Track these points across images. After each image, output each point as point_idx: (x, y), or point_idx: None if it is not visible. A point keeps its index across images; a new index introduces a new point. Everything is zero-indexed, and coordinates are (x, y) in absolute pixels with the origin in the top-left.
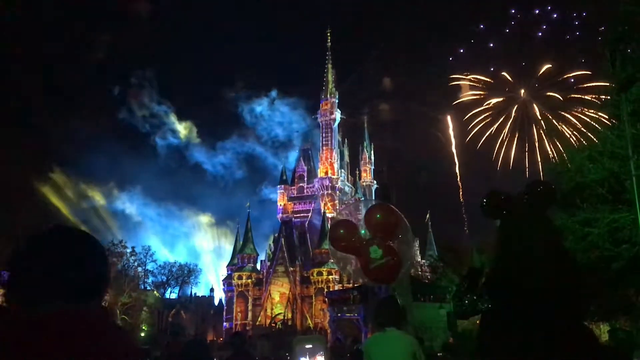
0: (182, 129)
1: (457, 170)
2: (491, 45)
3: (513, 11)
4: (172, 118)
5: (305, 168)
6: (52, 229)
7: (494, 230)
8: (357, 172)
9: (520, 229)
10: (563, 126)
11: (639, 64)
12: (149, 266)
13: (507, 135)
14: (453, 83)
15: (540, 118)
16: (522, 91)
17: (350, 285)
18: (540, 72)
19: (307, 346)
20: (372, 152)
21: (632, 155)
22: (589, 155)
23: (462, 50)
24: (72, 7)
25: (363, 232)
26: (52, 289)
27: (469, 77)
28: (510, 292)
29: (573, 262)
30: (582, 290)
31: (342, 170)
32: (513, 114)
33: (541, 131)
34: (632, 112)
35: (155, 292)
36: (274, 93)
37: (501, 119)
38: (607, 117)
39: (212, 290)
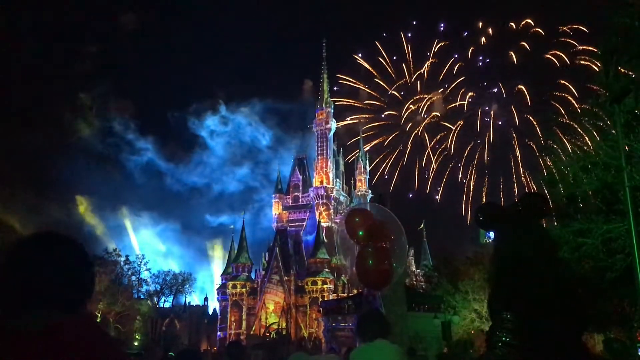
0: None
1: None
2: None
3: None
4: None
5: (300, 177)
6: (36, 235)
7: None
8: (352, 182)
9: (514, 239)
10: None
11: (633, 75)
12: (143, 275)
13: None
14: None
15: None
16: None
17: (345, 294)
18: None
19: None
20: (367, 161)
21: (625, 167)
22: (583, 166)
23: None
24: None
25: (361, 233)
26: (35, 298)
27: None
28: (510, 304)
29: (569, 271)
30: (581, 299)
31: (337, 180)
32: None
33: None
34: (626, 124)
35: (148, 301)
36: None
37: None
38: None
39: (206, 299)
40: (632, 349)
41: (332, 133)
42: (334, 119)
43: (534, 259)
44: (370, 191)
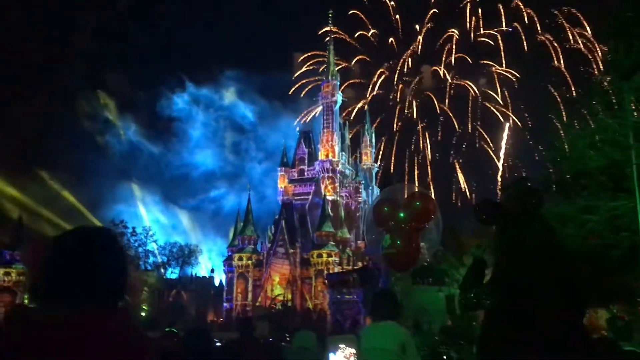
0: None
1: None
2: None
3: None
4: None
5: (306, 150)
6: (76, 230)
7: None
8: (358, 155)
9: (514, 233)
10: None
11: None
12: (150, 246)
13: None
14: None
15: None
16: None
17: (350, 267)
18: None
19: (340, 345)
20: (373, 135)
21: (633, 144)
22: (590, 142)
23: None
24: None
25: (402, 215)
26: (75, 291)
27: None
28: (510, 292)
29: (569, 259)
30: (580, 285)
31: (343, 153)
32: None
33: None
34: (635, 100)
35: (155, 272)
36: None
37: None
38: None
39: (212, 271)
40: (635, 325)
41: (338, 106)
42: (340, 92)
43: (534, 258)
44: (375, 165)
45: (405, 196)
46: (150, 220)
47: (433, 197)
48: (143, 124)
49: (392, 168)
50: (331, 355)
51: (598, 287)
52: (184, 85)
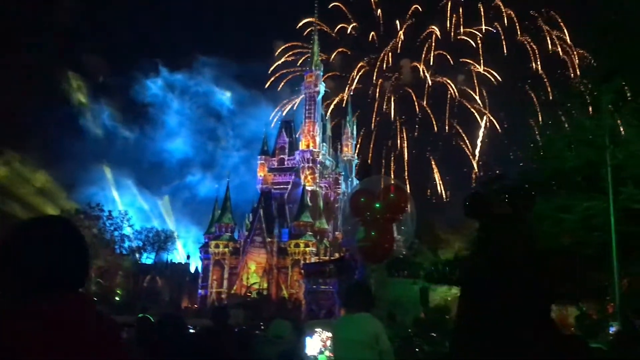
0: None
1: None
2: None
3: None
4: None
5: (287, 140)
6: (35, 219)
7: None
8: (339, 146)
9: (497, 233)
10: None
11: (624, 55)
12: (125, 231)
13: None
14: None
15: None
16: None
17: (327, 258)
18: None
19: (317, 329)
20: (355, 126)
21: (609, 145)
22: (568, 142)
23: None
24: None
25: (378, 205)
26: (34, 281)
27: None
28: (485, 290)
29: (545, 263)
30: (552, 276)
31: (324, 144)
32: None
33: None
34: (612, 103)
35: (130, 257)
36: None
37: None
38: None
39: (188, 257)
40: (602, 322)
41: (320, 96)
42: (323, 82)
43: (514, 260)
44: (356, 156)
45: (381, 188)
46: (123, 205)
47: (409, 191)
48: (118, 108)
49: (369, 160)
50: (308, 339)
51: (569, 285)
52: (158, 70)
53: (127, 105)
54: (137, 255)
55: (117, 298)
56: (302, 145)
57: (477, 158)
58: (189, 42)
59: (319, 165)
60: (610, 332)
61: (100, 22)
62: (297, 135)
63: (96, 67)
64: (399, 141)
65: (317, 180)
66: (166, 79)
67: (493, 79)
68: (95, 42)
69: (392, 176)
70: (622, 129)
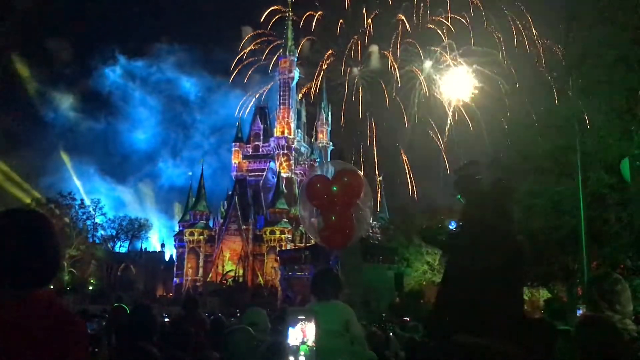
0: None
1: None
2: None
3: None
4: None
5: (262, 126)
6: (4, 213)
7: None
8: (314, 133)
9: (481, 210)
10: None
11: (592, 42)
12: (99, 219)
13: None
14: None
15: None
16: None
17: (303, 245)
18: None
19: (300, 317)
20: (330, 113)
21: (578, 131)
22: (537, 127)
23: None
24: None
25: (335, 188)
26: (3, 274)
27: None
28: (461, 274)
29: (520, 247)
30: (523, 270)
31: (299, 131)
32: None
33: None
34: (582, 89)
35: (104, 245)
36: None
37: None
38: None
39: (162, 245)
40: (571, 305)
41: (295, 82)
42: (297, 68)
43: (495, 238)
44: (331, 143)
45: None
46: (86, 193)
47: (379, 179)
48: (79, 98)
49: (342, 149)
50: (290, 329)
51: (540, 268)
52: (115, 57)
53: (89, 94)
54: (111, 244)
55: (90, 287)
56: (276, 132)
57: (444, 145)
58: (149, 28)
59: (294, 152)
60: (578, 314)
61: (56, 7)
62: (272, 122)
63: (54, 54)
64: (368, 131)
65: (293, 167)
66: (124, 67)
67: (462, 66)
68: (51, 29)
69: (362, 165)
70: (586, 117)
